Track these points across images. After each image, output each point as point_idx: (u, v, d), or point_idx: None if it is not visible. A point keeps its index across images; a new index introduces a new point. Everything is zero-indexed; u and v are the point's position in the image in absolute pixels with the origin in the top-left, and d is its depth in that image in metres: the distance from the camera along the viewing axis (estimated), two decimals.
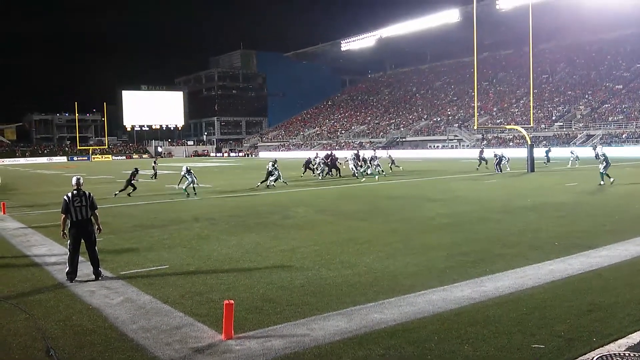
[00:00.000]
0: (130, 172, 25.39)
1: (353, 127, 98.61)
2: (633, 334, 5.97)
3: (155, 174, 37.81)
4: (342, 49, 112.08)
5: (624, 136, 57.17)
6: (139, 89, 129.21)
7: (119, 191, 24.36)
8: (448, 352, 5.78)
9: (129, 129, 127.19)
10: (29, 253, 11.88)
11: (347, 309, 7.24)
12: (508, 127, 53.57)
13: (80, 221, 9.13)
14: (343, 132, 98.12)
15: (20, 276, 9.69)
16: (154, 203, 21.69)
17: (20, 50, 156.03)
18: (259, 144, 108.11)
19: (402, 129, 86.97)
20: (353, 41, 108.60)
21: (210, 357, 5.84)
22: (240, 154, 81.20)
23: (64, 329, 6.87)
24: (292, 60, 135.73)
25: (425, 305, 7.34)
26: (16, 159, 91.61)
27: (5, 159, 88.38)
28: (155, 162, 40.01)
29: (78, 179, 9.41)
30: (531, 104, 40.19)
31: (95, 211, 9.36)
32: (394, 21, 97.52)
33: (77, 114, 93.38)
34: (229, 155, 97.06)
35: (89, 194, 9.38)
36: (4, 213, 18.58)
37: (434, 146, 74.76)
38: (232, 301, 6.35)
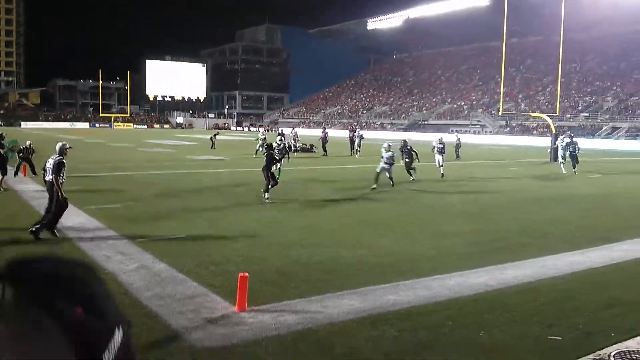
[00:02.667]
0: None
1: (375, 108, 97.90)
2: None
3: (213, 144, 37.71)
4: (369, 27, 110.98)
5: None
6: (163, 59, 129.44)
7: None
8: (462, 338, 5.70)
9: (151, 99, 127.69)
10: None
11: (362, 289, 7.17)
12: (533, 114, 52.68)
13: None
14: (365, 112, 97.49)
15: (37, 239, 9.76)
16: (175, 173, 21.74)
17: (47, 15, 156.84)
18: (279, 120, 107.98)
19: (424, 112, 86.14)
20: (380, 20, 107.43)
21: (222, 328, 5.82)
22: (261, 129, 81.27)
23: None
24: (317, 37, 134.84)
25: (441, 290, 7.24)
26: (39, 122, 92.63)
27: (29, 122, 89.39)
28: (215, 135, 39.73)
29: (62, 146, 10.11)
30: (558, 92, 39.46)
31: (56, 176, 9.73)
32: (423, 2, 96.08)
33: (100, 82, 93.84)
34: (249, 130, 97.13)
35: (56, 160, 9.85)
36: (25, 175, 18.75)
37: (455, 130, 74.00)
38: (246, 274, 6.32)
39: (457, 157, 30.86)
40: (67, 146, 10.39)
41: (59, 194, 9.69)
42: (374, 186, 17.15)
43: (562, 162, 25.12)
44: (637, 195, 17.75)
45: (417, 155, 19.80)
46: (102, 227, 10.74)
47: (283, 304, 6.54)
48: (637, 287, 7.66)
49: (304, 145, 35.68)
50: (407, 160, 19.85)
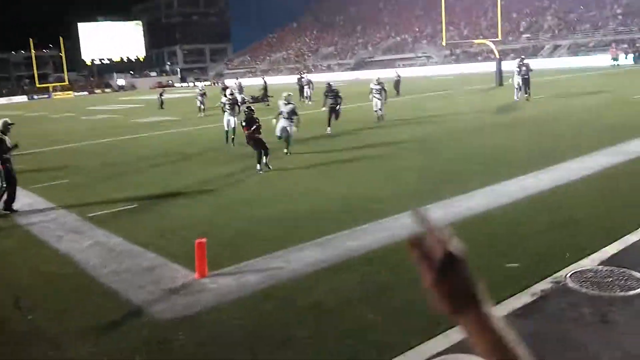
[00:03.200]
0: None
1: (321, 49, 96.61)
2: (605, 247, 6.02)
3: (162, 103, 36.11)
4: None
5: (591, 45, 57.10)
6: (95, 20, 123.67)
7: None
8: None
9: (88, 63, 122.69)
10: None
11: (322, 239, 7.17)
12: (476, 42, 52.84)
13: None
14: (310, 54, 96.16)
15: None
16: (122, 139, 21.04)
17: None
18: (225, 72, 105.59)
19: (370, 49, 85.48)
20: None
21: (184, 297, 5.75)
22: (206, 83, 78.88)
23: (33, 278, 6.71)
24: None
25: (399, 230, 7.29)
26: None
27: None
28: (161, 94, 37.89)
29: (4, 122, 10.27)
30: (499, 17, 39.58)
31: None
32: None
33: (33, 51, 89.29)
34: (194, 85, 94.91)
35: None
36: None
37: (402, 65, 73.91)
38: (204, 239, 6.21)
39: (398, 93, 30.66)
40: (9, 122, 10.35)
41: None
42: (286, 150, 14.18)
43: (517, 89, 23.52)
44: (578, 115, 18.12)
45: (340, 101, 17.96)
46: (50, 206, 10.37)
47: (244, 264, 6.49)
48: (586, 204, 7.89)
49: (254, 97, 34.70)
50: (331, 105, 17.80)
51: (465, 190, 8.98)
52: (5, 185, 9.92)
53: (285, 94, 14.47)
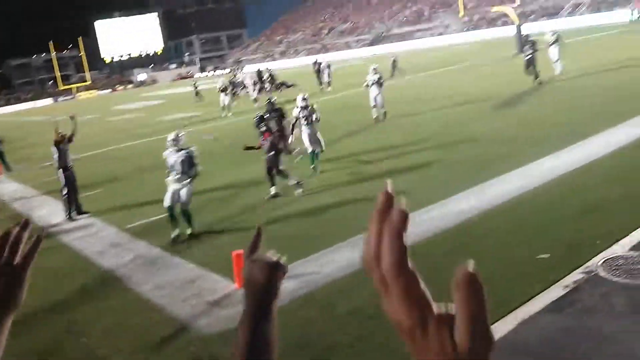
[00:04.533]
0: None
1: (337, 27, 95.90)
2: (636, 231, 6.06)
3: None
4: None
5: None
6: (112, 16, 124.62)
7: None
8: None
9: (108, 61, 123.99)
10: (33, 215, 11.92)
11: (354, 238, 7.32)
12: (494, 9, 51.91)
13: None
14: (327, 33, 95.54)
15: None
16: (149, 141, 21.34)
17: None
18: (242, 58, 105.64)
19: (387, 23, 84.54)
20: None
21: (227, 309, 5.99)
22: (226, 71, 78.91)
23: (81, 297, 7.03)
24: None
25: (429, 224, 7.41)
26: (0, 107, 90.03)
27: None
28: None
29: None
30: None
31: None
32: None
33: (53, 53, 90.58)
34: (214, 74, 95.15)
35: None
36: (0, 174, 18.30)
37: (420, 36, 72.97)
38: (241, 251, 6.43)
39: (392, 75, 29.89)
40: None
41: None
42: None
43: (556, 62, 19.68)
44: (600, 83, 17.77)
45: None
46: (89, 219, 10.73)
47: None
48: (612, 184, 7.86)
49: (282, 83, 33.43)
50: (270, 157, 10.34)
51: (493, 175, 9.03)
52: (68, 192, 10.82)
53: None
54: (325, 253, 7.01)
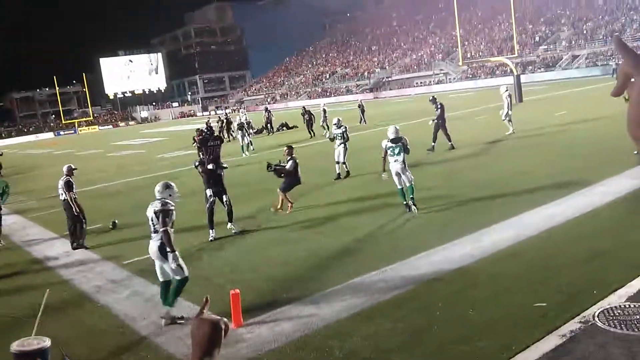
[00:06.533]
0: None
1: (338, 71, 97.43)
2: (633, 282, 6.10)
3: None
4: None
5: (609, 54, 56.70)
6: (116, 54, 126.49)
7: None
8: (454, 318, 5.91)
9: (111, 97, 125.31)
10: (30, 250, 11.92)
11: (351, 281, 7.35)
12: (493, 59, 53.10)
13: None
14: (328, 77, 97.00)
15: (26, 278, 9.76)
16: (149, 177, 21.47)
17: None
18: (244, 99, 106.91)
19: (387, 68, 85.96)
20: None
21: (224, 348, 5.87)
22: (227, 111, 79.96)
23: (76, 331, 6.98)
24: (269, 8, 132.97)
25: (427, 269, 7.45)
26: (2, 140, 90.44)
27: None
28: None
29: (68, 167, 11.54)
30: (514, 33, 39.68)
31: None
32: None
33: (57, 88, 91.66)
34: (215, 114, 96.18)
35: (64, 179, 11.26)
36: None
37: (420, 83, 74.14)
38: (237, 290, 6.44)
39: (362, 120, 30.87)
40: (73, 167, 11.69)
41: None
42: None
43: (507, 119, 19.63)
44: (599, 131, 18.04)
45: None
46: (87, 254, 10.74)
47: (278, 311, 6.70)
48: (611, 233, 7.94)
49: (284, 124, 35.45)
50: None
51: (490, 222, 9.10)
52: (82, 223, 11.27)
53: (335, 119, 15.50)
54: (322, 295, 7.01)
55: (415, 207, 10.50)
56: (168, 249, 6.69)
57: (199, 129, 15.52)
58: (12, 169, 31.85)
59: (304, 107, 30.62)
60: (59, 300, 8.14)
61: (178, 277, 6.81)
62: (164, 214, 6.88)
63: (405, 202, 10.69)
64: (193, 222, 11.64)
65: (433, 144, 17.42)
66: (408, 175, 10.55)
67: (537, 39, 68.13)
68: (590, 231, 8.17)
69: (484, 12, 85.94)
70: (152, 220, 7.00)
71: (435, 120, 17.68)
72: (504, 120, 19.83)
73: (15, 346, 1.49)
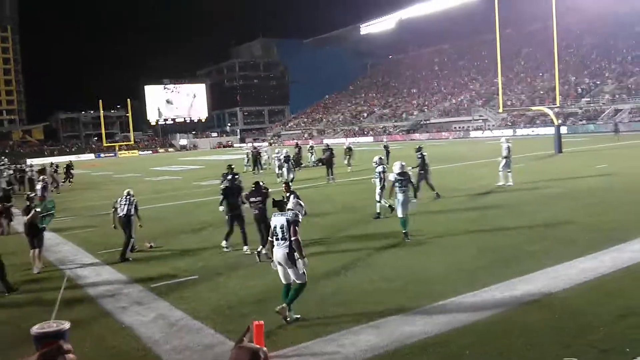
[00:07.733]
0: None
1: (375, 111, 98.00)
2: None
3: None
4: (362, 32, 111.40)
5: None
6: (161, 83, 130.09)
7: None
8: None
9: (153, 124, 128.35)
10: (62, 266, 12.11)
11: (378, 321, 7.22)
12: (534, 108, 52.77)
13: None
14: (366, 116, 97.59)
15: (54, 294, 9.87)
16: (185, 203, 21.70)
17: (43, 50, 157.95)
18: (282, 133, 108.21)
19: (425, 111, 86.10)
20: (373, 24, 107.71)
21: None
22: (264, 143, 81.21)
23: (98, 351, 7.00)
24: (312, 46, 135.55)
25: (456, 314, 7.28)
26: (45, 158, 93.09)
27: (34, 159, 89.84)
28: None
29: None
30: (557, 84, 39.35)
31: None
32: (414, 2, 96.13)
33: (101, 111, 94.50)
34: (252, 146, 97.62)
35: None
36: None
37: (458, 128, 73.92)
38: (261, 322, 6.39)
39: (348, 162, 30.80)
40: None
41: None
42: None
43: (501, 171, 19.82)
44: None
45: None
46: (115, 274, 10.86)
47: (301, 346, 6.61)
48: None
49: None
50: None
51: (524, 271, 8.88)
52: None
53: (376, 158, 15.58)
54: (346, 333, 6.89)
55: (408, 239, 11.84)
56: (298, 256, 7.53)
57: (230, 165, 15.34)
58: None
59: (327, 144, 30.90)
60: (84, 317, 8.21)
61: (300, 282, 7.59)
62: (296, 224, 7.73)
63: (404, 231, 11.92)
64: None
65: (418, 193, 15.37)
66: (413, 205, 12.41)
67: (579, 90, 67.50)
68: (624, 288, 7.90)
69: (528, 61, 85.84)
70: (280, 229, 7.71)
71: (417, 170, 17.48)
72: (500, 171, 19.77)
73: (35, 329, 1.60)
